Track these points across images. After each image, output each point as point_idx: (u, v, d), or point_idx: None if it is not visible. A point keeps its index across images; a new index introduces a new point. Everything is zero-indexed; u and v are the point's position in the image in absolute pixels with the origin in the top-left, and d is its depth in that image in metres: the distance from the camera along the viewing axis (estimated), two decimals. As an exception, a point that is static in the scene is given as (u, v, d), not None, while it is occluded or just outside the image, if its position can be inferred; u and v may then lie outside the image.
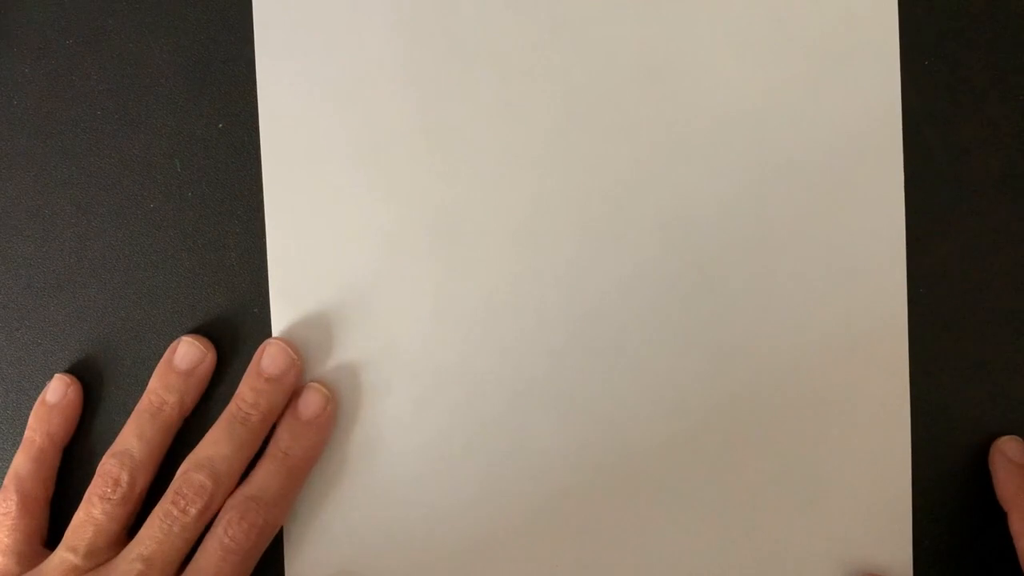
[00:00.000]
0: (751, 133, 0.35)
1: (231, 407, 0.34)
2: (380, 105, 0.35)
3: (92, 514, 0.33)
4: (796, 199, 0.35)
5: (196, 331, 0.36)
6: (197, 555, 0.33)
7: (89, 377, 0.36)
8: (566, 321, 0.35)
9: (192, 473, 0.33)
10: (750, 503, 0.35)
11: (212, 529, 0.33)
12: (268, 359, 0.35)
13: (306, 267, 0.36)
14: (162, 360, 0.35)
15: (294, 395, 0.35)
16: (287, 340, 0.35)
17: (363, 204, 0.35)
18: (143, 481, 0.34)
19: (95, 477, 0.34)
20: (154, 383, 0.35)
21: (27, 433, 0.36)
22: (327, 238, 0.35)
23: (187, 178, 0.36)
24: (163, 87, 0.36)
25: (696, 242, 0.35)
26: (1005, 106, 0.35)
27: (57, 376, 0.36)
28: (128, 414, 0.35)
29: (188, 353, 0.35)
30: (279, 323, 0.36)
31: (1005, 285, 0.35)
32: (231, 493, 0.34)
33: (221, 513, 0.33)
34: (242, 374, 0.35)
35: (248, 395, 0.34)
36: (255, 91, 0.36)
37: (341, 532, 0.35)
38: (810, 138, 0.35)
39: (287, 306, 0.36)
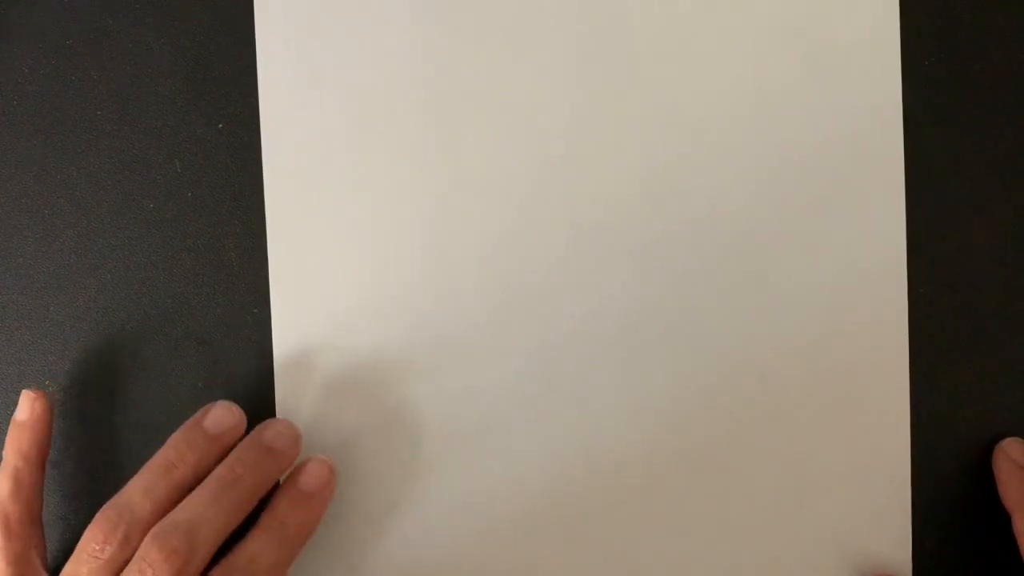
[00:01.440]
0: (748, 134, 0.35)
1: (221, 469, 0.32)
2: (382, 105, 0.35)
3: (79, 572, 0.31)
4: (795, 201, 0.35)
5: (195, 331, 0.36)
6: None
7: (88, 377, 0.36)
8: (569, 323, 0.35)
9: (166, 535, 0.30)
10: (749, 504, 0.35)
11: None
12: (272, 433, 0.33)
13: (307, 270, 0.35)
14: (191, 420, 0.34)
15: (298, 467, 0.34)
16: (291, 422, 0.34)
17: (364, 206, 0.35)
18: (137, 541, 0.31)
19: (89, 527, 0.31)
20: (176, 439, 0.33)
21: (3, 454, 0.34)
22: (328, 241, 0.35)
23: (187, 178, 0.36)
24: (163, 87, 0.36)
25: (694, 243, 0.35)
26: (1005, 105, 0.35)
27: (24, 393, 0.34)
28: (126, 415, 0.35)
29: (222, 418, 0.33)
30: (279, 326, 0.36)
31: (1006, 285, 0.35)
32: (204, 567, 0.30)
33: None
34: (241, 376, 0.36)
35: (246, 457, 0.32)
36: (255, 91, 0.36)
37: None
38: (809, 140, 0.35)
39: (288, 310, 0.36)
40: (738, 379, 0.35)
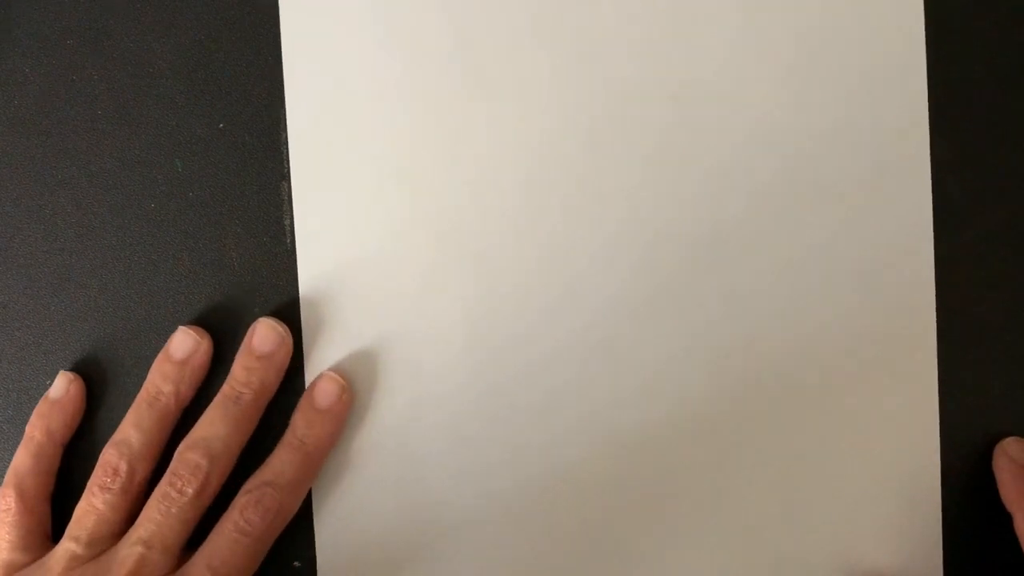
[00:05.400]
0: (772, 107, 0.35)
1: (224, 388, 0.35)
2: (407, 103, 0.35)
3: (93, 504, 0.34)
4: (821, 190, 0.35)
5: (196, 331, 0.36)
6: (211, 537, 0.33)
7: (89, 377, 0.37)
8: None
9: (187, 453, 0.34)
10: (775, 502, 0.35)
11: (227, 513, 0.34)
12: (258, 338, 0.35)
13: (332, 260, 0.36)
14: (160, 352, 0.36)
15: (311, 384, 0.35)
16: (276, 319, 0.36)
17: (389, 200, 0.35)
18: (143, 470, 0.34)
19: (96, 468, 0.34)
20: (152, 374, 0.35)
21: (27, 430, 0.36)
22: (353, 233, 0.35)
23: (188, 178, 0.36)
24: (163, 87, 0.36)
25: (718, 236, 0.35)
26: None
27: (60, 373, 0.36)
28: (126, 413, 0.35)
29: (183, 343, 0.35)
30: (307, 315, 0.36)
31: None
32: (227, 473, 0.34)
33: (236, 497, 0.34)
34: (242, 374, 0.36)
35: (240, 374, 0.35)
36: (256, 91, 0.36)
37: (369, 517, 0.36)
38: (834, 126, 0.35)
39: (314, 297, 0.36)
40: (765, 377, 0.35)
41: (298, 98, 0.36)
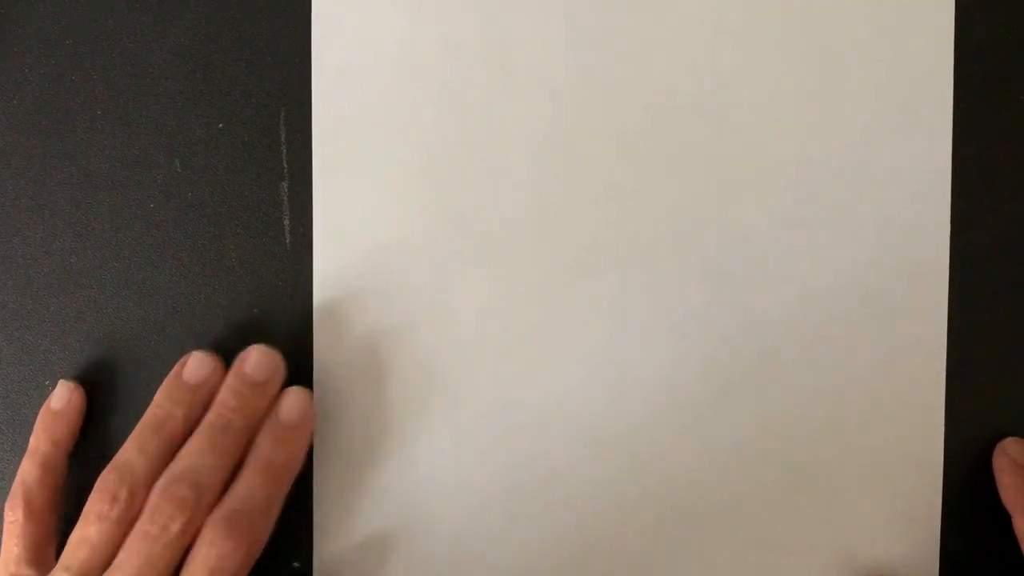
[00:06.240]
0: (797, 129, 0.35)
1: (210, 416, 0.33)
2: (431, 100, 0.35)
3: (88, 533, 0.32)
4: (836, 193, 0.35)
5: (195, 331, 0.36)
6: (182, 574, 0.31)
7: (88, 377, 0.36)
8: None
9: (172, 487, 0.31)
10: (777, 498, 0.35)
11: (196, 548, 0.31)
12: (252, 365, 0.34)
13: (347, 258, 0.36)
14: (170, 374, 0.34)
15: (277, 402, 0.34)
16: (268, 346, 0.35)
17: (407, 198, 0.35)
18: (141, 497, 0.32)
19: (93, 492, 0.32)
20: (161, 396, 0.34)
21: (32, 441, 0.35)
22: (368, 230, 0.35)
23: (187, 178, 0.36)
24: (163, 87, 0.36)
25: (732, 247, 0.35)
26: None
27: (61, 382, 0.36)
28: (126, 415, 0.35)
29: (199, 367, 0.34)
30: (320, 317, 0.36)
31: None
32: (214, 506, 0.32)
33: (204, 530, 0.31)
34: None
35: (231, 400, 0.33)
36: (256, 91, 0.36)
37: (369, 518, 0.36)
38: (850, 127, 0.35)
39: (326, 294, 0.36)
40: (763, 370, 0.35)
41: (325, 92, 0.35)
